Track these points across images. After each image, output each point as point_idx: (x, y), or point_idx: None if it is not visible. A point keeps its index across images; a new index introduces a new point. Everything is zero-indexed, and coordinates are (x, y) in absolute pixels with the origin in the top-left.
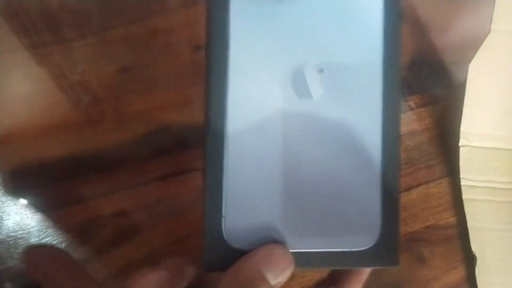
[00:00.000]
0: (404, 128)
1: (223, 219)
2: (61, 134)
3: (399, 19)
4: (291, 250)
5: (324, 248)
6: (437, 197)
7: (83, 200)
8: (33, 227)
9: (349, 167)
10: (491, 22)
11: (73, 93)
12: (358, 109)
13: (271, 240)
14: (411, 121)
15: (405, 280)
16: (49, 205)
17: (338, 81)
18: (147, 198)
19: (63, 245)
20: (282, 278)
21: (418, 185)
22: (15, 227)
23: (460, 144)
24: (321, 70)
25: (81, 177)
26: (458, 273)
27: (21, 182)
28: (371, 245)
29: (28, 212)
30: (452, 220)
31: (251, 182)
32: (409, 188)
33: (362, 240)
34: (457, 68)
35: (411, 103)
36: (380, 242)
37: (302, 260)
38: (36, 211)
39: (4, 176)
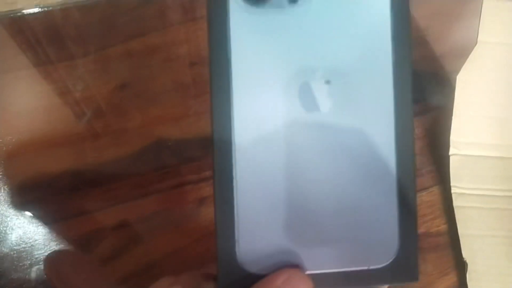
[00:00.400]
0: None
1: (236, 243)
2: (63, 149)
3: (409, 23)
4: (307, 272)
5: (342, 268)
6: (429, 205)
7: (84, 213)
8: (36, 240)
9: (362, 182)
10: (477, 34)
11: (75, 109)
12: (369, 120)
13: (287, 263)
14: None
15: (396, 287)
16: (51, 218)
17: (346, 92)
18: (146, 210)
19: None
20: None
21: None
22: (18, 240)
23: (450, 152)
24: (328, 81)
25: (82, 191)
26: (449, 280)
27: (24, 196)
28: (389, 261)
29: (30, 225)
30: (443, 227)
31: (262, 203)
32: None
33: (380, 257)
34: (447, 78)
35: None
36: (398, 258)
37: (320, 281)
38: (39, 225)
39: (8, 190)
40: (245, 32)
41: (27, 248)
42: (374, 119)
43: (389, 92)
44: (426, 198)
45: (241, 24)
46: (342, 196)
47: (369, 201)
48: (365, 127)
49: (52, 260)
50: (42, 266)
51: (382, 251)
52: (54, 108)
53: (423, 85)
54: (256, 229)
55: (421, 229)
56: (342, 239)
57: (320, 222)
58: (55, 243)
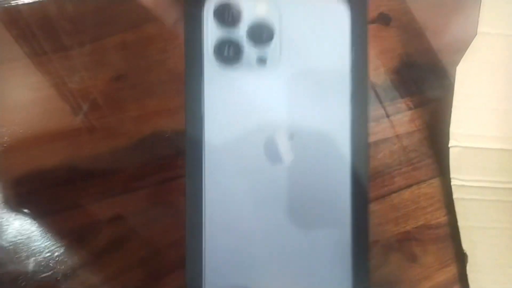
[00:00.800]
0: (395, 130)
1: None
2: (58, 141)
3: (366, 87)
4: None
5: None
6: (429, 197)
7: (80, 206)
8: (32, 232)
9: (318, 229)
10: (477, 25)
11: (70, 100)
12: (326, 171)
13: None
14: (402, 122)
15: (396, 279)
16: (46, 211)
17: (307, 146)
18: (143, 202)
19: (61, 250)
20: None
21: (410, 185)
22: (15, 233)
23: (450, 144)
24: (291, 136)
25: (78, 183)
26: (449, 272)
27: (19, 189)
28: None
29: (27, 218)
30: (443, 219)
31: (228, 245)
32: (400, 189)
33: None
34: (445, 70)
35: (402, 105)
36: None
37: None
38: (35, 217)
39: (3, 183)
40: (217, 90)
41: (24, 240)
42: (330, 171)
43: (345, 147)
44: (426, 190)
45: (214, 82)
46: (299, 242)
47: (323, 249)
48: (322, 178)
49: None
50: (38, 258)
51: (334, 285)
52: (48, 99)
53: (422, 77)
54: (221, 270)
55: (421, 221)
56: (301, 280)
57: (277, 266)
58: (51, 235)
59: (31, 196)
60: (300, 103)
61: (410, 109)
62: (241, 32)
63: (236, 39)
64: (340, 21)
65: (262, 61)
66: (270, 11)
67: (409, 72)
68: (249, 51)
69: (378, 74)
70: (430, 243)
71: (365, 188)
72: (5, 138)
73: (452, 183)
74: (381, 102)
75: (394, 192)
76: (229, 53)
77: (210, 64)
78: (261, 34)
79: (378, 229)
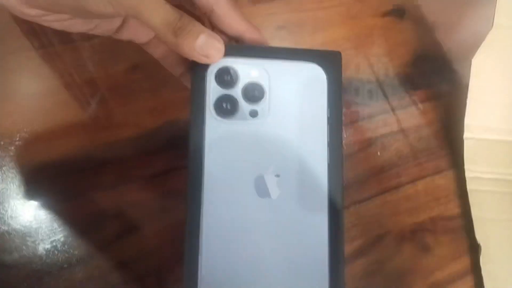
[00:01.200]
0: (409, 122)
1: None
2: (72, 130)
3: (340, 137)
4: None
5: None
6: (443, 189)
7: (93, 194)
8: (47, 218)
9: (298, 253)
10: (493, 17)
11: (84, 91)
12: (308, 205)
13: None
14: (416, 115)
15: (409, 269)
16: (60, 198)
17: (291, 183)
18: (156, 190)
19: (76, 236)
20: None
21: (424, 177)
22: (30, 218)
23: (464, 136)
24: (278, 175)
25: (92, 171)
26: (463, 263)
27: (36, 177)
28: None
29: (42, 204)
30: (457, 211)
31: (222, 256)
32: (414, 180)
33: None
34: (461, 63)
35: (416, 98)
36: None
37: None
38: (50, 204)
39: (17, 170)
40: (216, 137)
41: (39, 226)
42: (311, 205)
43: (323, 185)
44: (440, 181)
45: (214, 131)
46: (282, 262)
47: (302, 261)
48: (303, 212)
49: None
50: (53, 243)
51: None
52: (63, 89)
53: (436, 70)
54: (216, 274)
55: (434, 212)
56: None
57: (266, 275)
58: (63, 222)
59: (44, 183)
60: (285, 148)
61: (424, 101)
62: (237, 90)
63: (233, 96)
64: (318, 83)
65: (254, 114)
66: (261, 74)
67: (423, 64)
68: (244, 106)
69: (394, 66)
70: (443, 234)
71: (340, 223)
72: (21, 126)
73: (466, 175)
74: (392, 95)
75: (408, 183)
76: (227, 107)
77: (211, 116)
78: (254, 92)
79: (391, 220)
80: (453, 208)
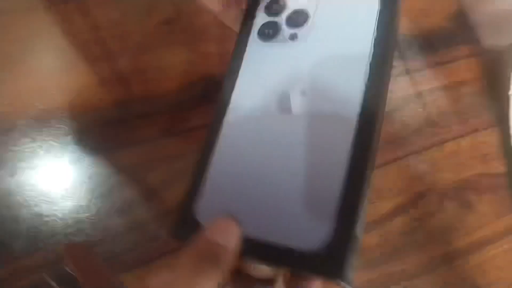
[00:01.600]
0: (452, 78)
1: (197, 197)
2: (109, 83)
3: (387, 61)
4: (245, 236)
5: (274, 240)
6: (486, 146)
7: (133, 144)
8: (89, 170)
9: (316, 166)
10: None
11: (120, 44)
12: (330, 128)
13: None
14: (460, 71)
15: (451, 227)
16: (99, 148)
17: (316, 103)
18: (192, 143)
19: (117, 185)
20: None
21: (467, 134)
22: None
23: (509, 93)
24: (303, 92)
25: (129, 122)
26: (507, 221)
27: (71, 127)
28: (316, 247)
29: (82, 155)
30: (501, 169)
31: (230, 172)
32: (458, 137)
33: (309, 239)
34: (506, 21)
35: (459, 53)
36: (328, 248)
37: (250, 249)
38: (90, 154)
39: (60, 120)
40: (254, 58)
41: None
42: (334, 125)
43: (354, 111)
44: (484, 139)
45: (253, 53)
46: (295, 179)
47: (316, 186)
48: (324, 132)
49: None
50: (94, 193)
51: (313, 234)
52: (98, 42)
53: (480, 25)
54: (219, 190)
55: (478, 170)
56: (285, 214)
57: (273, 197)
58: (104, 172)
59: (82, 134)
60: (318, 70)
61: (468, 57)
62: (282, 17)
63: (277, 23)
64: (369, 13)
65: (293, 37)
66: (310, 2)
67: (466, 20)
68: (285, 30)
69: (437, 20)
70: (486, 192)
71: (369, 149)
72: (60, 75)
73: (511, 132)
74: (437, 49)
75: (451, 140)
76: (269, 32)
77: (253, 40)
78: (297, 18)
79: (433, 177)
80: (498, 166)
